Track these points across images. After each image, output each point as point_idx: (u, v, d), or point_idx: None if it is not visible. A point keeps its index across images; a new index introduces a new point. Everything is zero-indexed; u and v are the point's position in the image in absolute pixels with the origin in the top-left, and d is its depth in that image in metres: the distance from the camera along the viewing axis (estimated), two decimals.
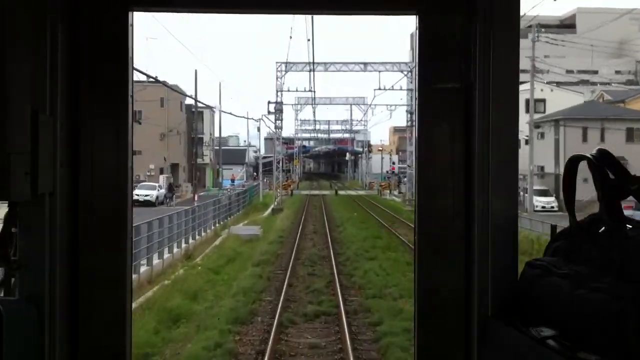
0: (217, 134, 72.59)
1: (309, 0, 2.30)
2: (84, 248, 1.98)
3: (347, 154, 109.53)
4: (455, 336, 1.98)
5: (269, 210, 47.57)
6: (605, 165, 1.54)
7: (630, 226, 1.50)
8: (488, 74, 1.90)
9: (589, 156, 1.57)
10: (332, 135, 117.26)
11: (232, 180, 76.16)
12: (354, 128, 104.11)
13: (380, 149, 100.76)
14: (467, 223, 1.98)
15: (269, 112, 57.26)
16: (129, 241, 2.04)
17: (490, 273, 1.88)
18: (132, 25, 2.03)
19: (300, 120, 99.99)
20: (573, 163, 1.70)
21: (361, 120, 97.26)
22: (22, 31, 1.77)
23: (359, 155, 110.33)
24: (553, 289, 1.56)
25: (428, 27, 2.01)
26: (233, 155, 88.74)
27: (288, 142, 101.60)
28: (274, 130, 58.01)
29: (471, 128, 1.96)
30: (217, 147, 73.25)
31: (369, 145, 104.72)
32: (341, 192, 73.67)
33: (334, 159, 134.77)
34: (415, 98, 2.04)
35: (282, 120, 57.04)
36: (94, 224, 1.99)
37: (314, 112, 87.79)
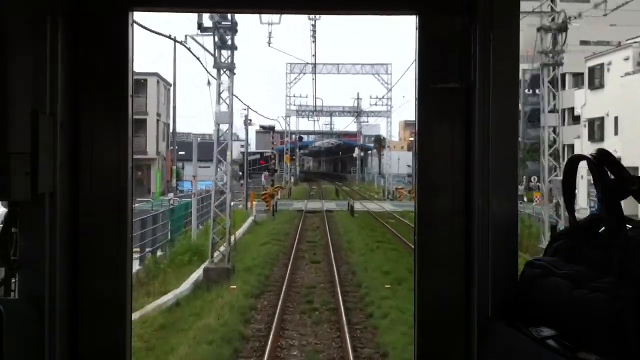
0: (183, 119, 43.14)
1: (309, 0, 2.30)
2: (84, 248, 1.98)
3: (356, 149, 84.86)
4: (455, 336, 1.98)
5: (198, 273, 18.85)
6: (605, 165, 1.55)
7: (630, 226, 1.50)
8: (488, 74, 1.90)
9: (589, 156, 1.57)
10: (335, 126, 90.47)
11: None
12: (370, 109, 73.37)
13: (412, 136, 66.18)
14: (467, 223, 1.98)
15: (202, 29, 22.66)
16: (129, 241, 2.04)
17: (490, 273, 1.88)
18: (132, 25, 2.03)
19: (294, 96, 69.86)
20: (573, 163, 1.70)
21: (382, 97, 65.24)
22: (22, 31, 1.77)
23: (370, 151, 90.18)
24: (553, 289, 1.56)
25: (428, 27, 2.01)
26: (209, 150, 43.90)
27: (280, 134, 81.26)
28: (215, 70, 22.59)
29: (471, 128, 1.96)
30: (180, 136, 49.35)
31: (383, 140, 76.10)
32: (357, 206, 40.64)
33: (337, 156, 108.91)
34: (415, 98, 2.04)
35: (233, 49, 22.52)
36: (94, 224, 1.99)
37: (315, 64, 56.01)
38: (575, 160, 1.70)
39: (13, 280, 1.87)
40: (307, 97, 75.25)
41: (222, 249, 20.44)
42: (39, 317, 1.85)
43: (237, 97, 27.60)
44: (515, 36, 1.93)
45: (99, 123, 1.99)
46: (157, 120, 52.38)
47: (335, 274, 17.68)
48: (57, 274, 1.88)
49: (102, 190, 1.99)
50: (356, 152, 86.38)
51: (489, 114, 1.90)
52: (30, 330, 1.83)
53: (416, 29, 2.03)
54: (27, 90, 1.78)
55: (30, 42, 1.82)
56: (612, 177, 1.54)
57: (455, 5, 2.00)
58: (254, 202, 37.22)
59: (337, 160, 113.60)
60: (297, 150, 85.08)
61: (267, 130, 59.85)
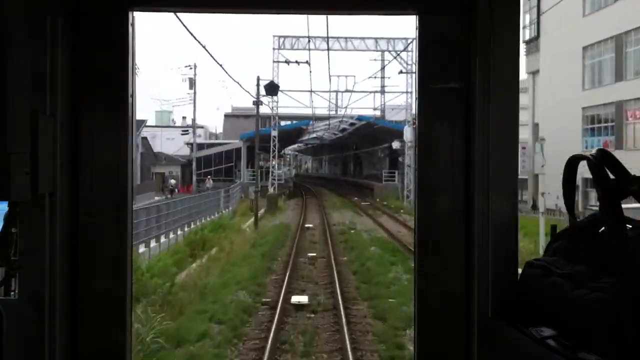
0: None
1: (309, 0, 2.30)
2: (83, 248, 1.98)
3: (407, 131, 40.26)
4: (455, 336, 1.98)
5: None
6: (605, 165, 1.55)
7: (630, 226, 1.50)
8: (488, 74, 1.90)
9: (589, 156, 1.57)
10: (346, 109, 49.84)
11: None
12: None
13: None
14: (467, 223, 1.98)
15: None
16: (129, 241, 2.04)
17: (490, 273, 1.88)
18: (132, 25, 2.03)
19: None
20: (573, 163, 1.70)
21: None
22: (22, 31, 1.77)
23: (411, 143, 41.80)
24: (553, 289, 1.56)
25: (428, 27, 2.01)
26: None
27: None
28: None
29: (471, 128, 1.96)
30: None
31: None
32: None
33: (349, 153, 69.20)
34: (416, 98, 2.04)
35: None
36: (94, 224, 1.99)
37: None
38: (575, 160, 1.70)
39: (13, 280, 1.87)
40: None
41: None
42: (39, 317, 1.85)
43: None
44: (515, 36, 1.93)
45: (99, 123, 1.99)
46: None
47: None
48: (57, 274, 1.88)
49: (102, 190, 1.99)
50: (408, 136, 39.91)
51: (489, 114, 1.90)
52: (30, 330, 1.83)
53: (416, 29, 2.03)
54: (27, 90, 1.78)
55: (30, 42, 1.82)
56: (612, 177, 1.54)
57: (455, 5, 2.00)
58: None
59: (349, 158, 71.57)
60: (274, 136, 43.05)
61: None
